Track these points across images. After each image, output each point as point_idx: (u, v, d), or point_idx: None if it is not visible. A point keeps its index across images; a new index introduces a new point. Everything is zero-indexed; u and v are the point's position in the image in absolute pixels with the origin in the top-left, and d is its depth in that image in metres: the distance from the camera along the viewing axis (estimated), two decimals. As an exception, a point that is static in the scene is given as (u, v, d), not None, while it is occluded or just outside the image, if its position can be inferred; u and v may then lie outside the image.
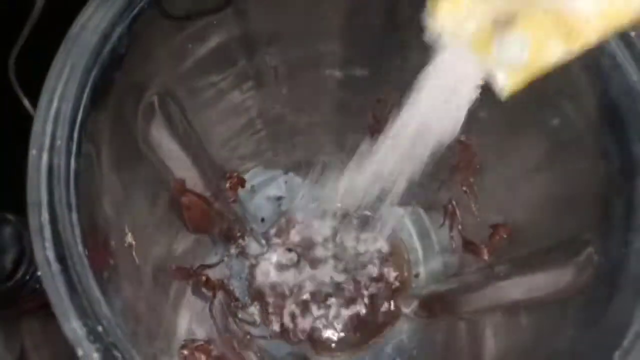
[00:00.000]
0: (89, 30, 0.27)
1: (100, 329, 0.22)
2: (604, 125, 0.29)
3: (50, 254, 0.23)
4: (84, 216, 0.25)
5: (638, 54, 0.27)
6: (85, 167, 0.26)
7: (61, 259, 0.23)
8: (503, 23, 0.25)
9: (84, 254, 0.23)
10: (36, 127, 0.25)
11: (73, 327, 0.22)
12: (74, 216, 0.24)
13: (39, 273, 0.42)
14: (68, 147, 0.25)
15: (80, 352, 0.22)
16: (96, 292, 0.23)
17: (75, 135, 0.25)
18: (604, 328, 0.26)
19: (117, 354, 0.22)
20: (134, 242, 0.31)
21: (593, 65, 0.29)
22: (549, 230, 0.37)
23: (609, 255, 0.29)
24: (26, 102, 0.54)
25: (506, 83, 0.25)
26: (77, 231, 0.24)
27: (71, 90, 0.25)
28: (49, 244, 0.23)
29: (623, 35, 0.28)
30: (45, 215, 0.24)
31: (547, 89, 0.33)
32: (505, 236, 0.41)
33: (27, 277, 0.42)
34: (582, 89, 0.31)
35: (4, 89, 0.52)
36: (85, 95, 0.26)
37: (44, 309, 0.46)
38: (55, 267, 0.23)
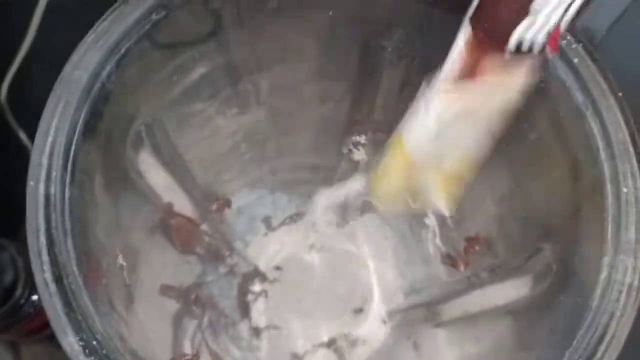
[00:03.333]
0: (80, 69, 0.29)
1: (95, 343, 0.24)
2: (559, 150, 0.32)
3: (48, 276, 0.25)
4: (78, 240, 0.27)
5: (582, 79, 0.30)
6: (78, 195, 0.28)
7: (58, 280, 0.25)
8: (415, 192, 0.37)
9: (78, 275, 0.25)
10: (33, 160, 0.27)
11: (70, 341, 0.24)
12: (69, 240, 0.26)
13: (33, 297, 0.44)
14: (63, 177, 0.27)
15: (76, 365, 0.24)
16: (91, 309, 0.25)
17: (69, 166, 0.27)
18: (559, 329, 0.29)
19: (111, 366, 0.24)
20: (124, 264, 0.33)
21: (544, 89, 0.32)
22: (515, 242, 0.39)
23: (564, 263, 0.31)
24: (18, 129, 0.56)
25: (447, 209, 0.37)
26: (72, 254, 0.26)
27: (65, 125, 0.28)
28: (46, 266, 0.25)
29: (570, 63, 0.31)
30: (42, 240, 0.26)
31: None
32: (478, 248, 0.43)
33: (22, 302, 0.43)
34: (536, 111, 0.33)
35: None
36: (77, 130, 0.28)
37: (37, 333, 0.48)
38: (52, 287, 0.25)
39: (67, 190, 0.27)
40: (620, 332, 0.26)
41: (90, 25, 0.31)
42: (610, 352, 0.25)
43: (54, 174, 0.27)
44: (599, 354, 0.25)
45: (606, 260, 0.27)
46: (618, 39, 0.50)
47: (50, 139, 0.28)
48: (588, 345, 0.25)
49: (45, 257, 0.25)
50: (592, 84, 0.30)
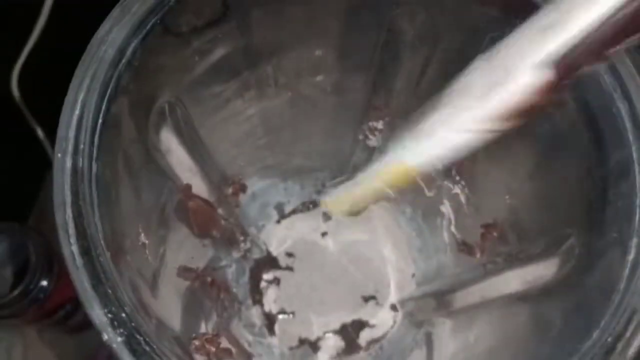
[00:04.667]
0: (107, 44, 0.29)
1: (123, 315, 0.24)
2: (585, 132, 0.32)
3: (75, 249, 0.25)
4: (104, 214, 0.27)
5: (613, 66, 0.30)
6: (103, 170, 0.28)
7: (85, 252, 0.25)
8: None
9: (105, 248, 0.25)
10: (60, 133, 0.27)
11: (98, 314, 0.24)
12: (97, 213, 0.26)
13: (43, 282, 0.44)
14: (90, 151, 0.27)
15: (105, 337, 0.24)
16: (119, 282, 0.25)
17: (96, 140, 0.27)
18: (584, 311, 0.28)
19: (139, 338, 0.24)
20: (147, 242, 0.33)
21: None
22: (535, 227, 0.39)
23: (588, 247, 0.31)
24: (29, 117, 0.56)
25: None
26: (100, 227, 0.26)
27: (92, 99, 0.28)
28: (73, 239, 0.25)
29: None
30: (69, 213, 0.26)
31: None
32: (495, 235, 0.43)
33: (31, 287, 0.44)
34: (564, 98, 0.33)
35: (6, 102, 0.54)
36: (104, 104, 0.28)
37: (47, 317, 0.48)
38: (80, 260, 0.25)
39: (93, 164, 0.27)
40: (649, 312, 0.25)
41: (99, 14, 0.31)
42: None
43: (81, 147, 0.27)
44: (628, 333, 0.25)
45: (634, 242, 0.27)
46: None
47: (77, 112, 0.27)
48: (617, 325, 0.25)
49: (72, 230, 0.25)
50: (620, 65, 0.29)
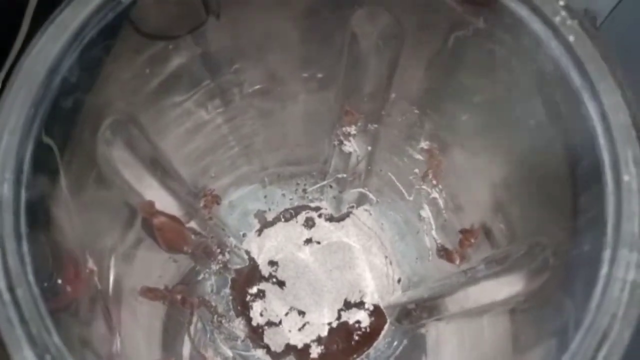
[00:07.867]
0: (38, 62, 0.27)
1: (49, 358, 0.22)
2: (554, 131, 0.30)
3: (2, 284, 0.24)
4: (36, 246, 0.25)
5: (578, 60, 0.28)
6: (39, 197, 0.27)
7: (11, 289, 0.23)
8: None
9: (34, 283, 0.24)
10: (-14, 160, 0.25)
11: (24, 355, 0.22)
12: (25, 247, 0.24)
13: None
14: (18, 179, 0.25)
15: (32, 381, 0.22)
16: (47, 321, 0.23)
17: (25, 167, 0.25)
18: (556, 331, 0.27)
19: (67, 382, 0.22)
20: (95, 268, 0.32)
21: (539, 71, 0.30)
22: (511, 236, 0.37)
23: (562, 259, 0.29)
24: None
25: None
26: (28, 261, 0.24)
27: (19, 123, 0.26)
28: (-1, 274, 0.24)
29: (564, 41, 0.28)
30: (-7, 247, 0.24)
31: (503, 96, 0.34)
32: (473, 241, 0.42)
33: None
34: (532, 95, 0.31)
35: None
36: (34, 128, 0.26)
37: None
38: (6, 296, 0.23)
39: (23, 192, 0.25)
40: (622, 335, 0.23)
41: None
42: (611, 357, 0.23)
43: (7, 175, 0.25)
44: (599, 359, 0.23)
45: (606, 254, 0.25)
46: (621, 23, 0.47)
47: (5, 138, 0.26)
48: (587, 350, 0.23)
49: (-2, 265, 0.24)
50: (589, 65, 0.27)
